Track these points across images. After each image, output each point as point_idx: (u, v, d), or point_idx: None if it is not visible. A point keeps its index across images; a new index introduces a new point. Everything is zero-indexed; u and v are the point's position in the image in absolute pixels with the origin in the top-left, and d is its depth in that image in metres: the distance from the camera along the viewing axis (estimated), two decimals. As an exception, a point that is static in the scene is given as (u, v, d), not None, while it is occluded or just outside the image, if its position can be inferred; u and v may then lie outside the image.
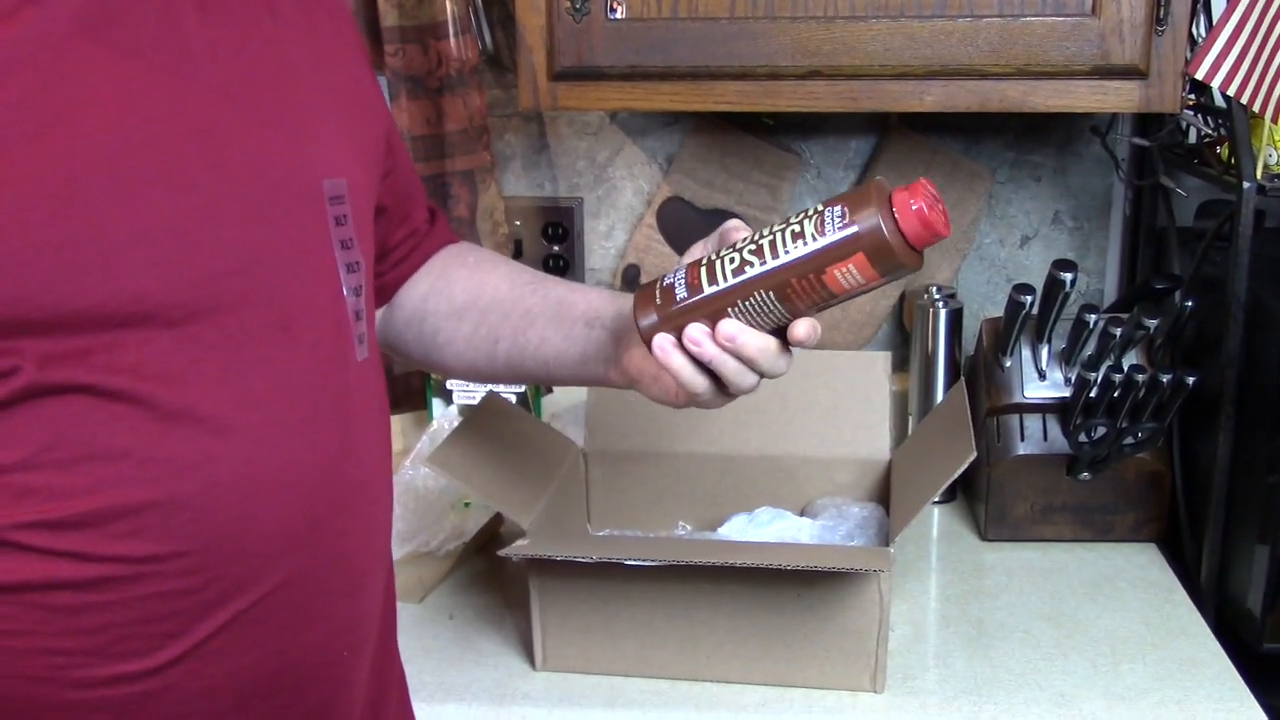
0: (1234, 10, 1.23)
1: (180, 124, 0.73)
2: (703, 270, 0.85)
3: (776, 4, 1.30)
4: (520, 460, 1.29)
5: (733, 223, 0.89)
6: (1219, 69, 1.23)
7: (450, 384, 1.66)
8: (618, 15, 1.32)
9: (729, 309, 0.84)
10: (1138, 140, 1.55)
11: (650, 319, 0.87)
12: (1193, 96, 1.39)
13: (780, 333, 0.85)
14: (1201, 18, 1.36)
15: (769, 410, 1.39)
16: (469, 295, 1.04)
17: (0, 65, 0.67)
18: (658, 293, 0.87)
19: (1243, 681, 1.16)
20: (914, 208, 0.79)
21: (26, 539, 0.69)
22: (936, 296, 1.57)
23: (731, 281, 0.83)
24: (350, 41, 0.93)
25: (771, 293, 0.82)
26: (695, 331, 0.84)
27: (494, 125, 1.71)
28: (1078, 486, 1.43)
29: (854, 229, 0.79)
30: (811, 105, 1.33)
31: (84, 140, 0.69)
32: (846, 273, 0.80)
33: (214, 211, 0.74)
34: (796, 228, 0.81)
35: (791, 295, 0.82)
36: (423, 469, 1.43)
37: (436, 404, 1.66)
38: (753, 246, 0.83)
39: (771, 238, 0.82)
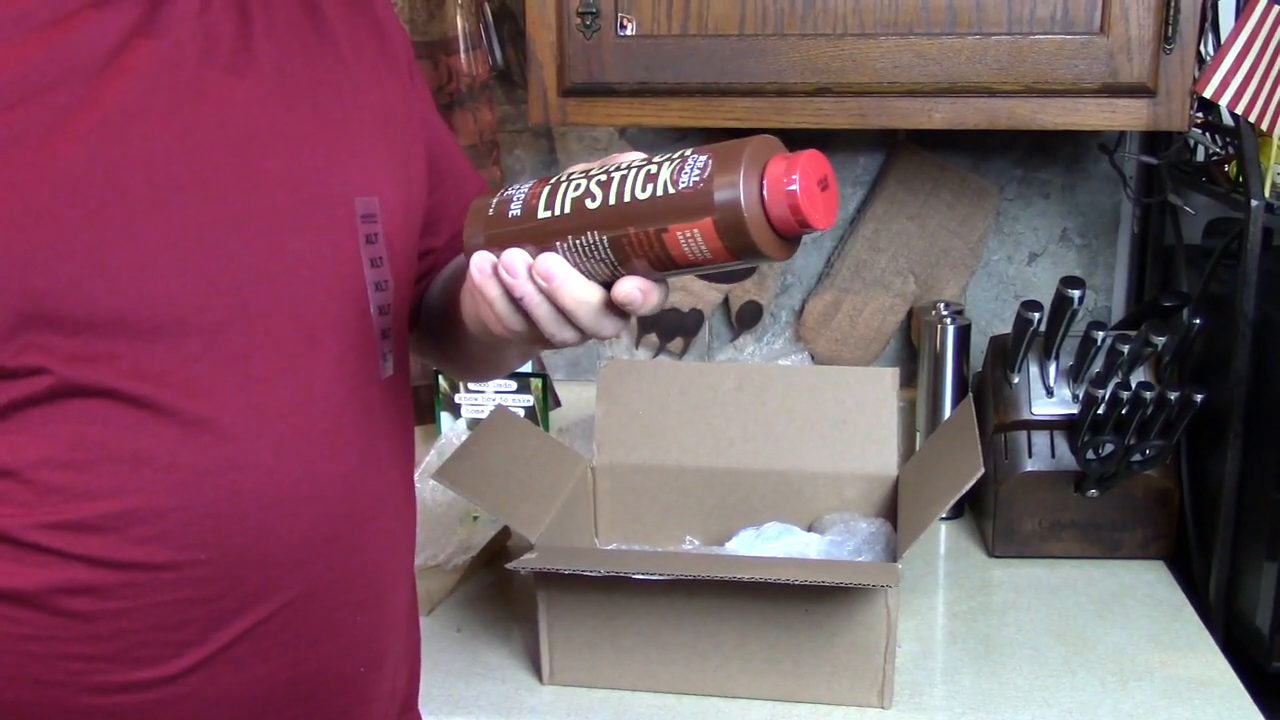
0: (1242, 29, 1.24)
1: (219, 134, 0.74)
2: (544, 191, 0.71)
3: (786, 21, 1.31)
4: (528, 474, 1.29)
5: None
6: (1227, 87, 1.24)
7: (459, 398, 1.66)
8: (628, 32, 1.33)
9: (557, 243, 0.70)
10: (1146, 158, 1.55)
11: (476, 236, 0.73)
12: (1201, 115, 1.39)
13: (611, 287, 0.71)
14: (1209, 36, 1.36)
15: (777, 425, 1.39)
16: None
17: (57, 69, 0.69)
18: (493, 205, 0.74)
19: (1251, 700, 1.16)
20: (789, 187, 0.64)
21: (47, 540, 0.70)
22: (944, 313, 1.57)
23: (566, 211, 0.69)
24: (400, 59, 0.92)
25: (605, 237, 0.68)
26: (513, 259, 0.70)
27: (504, 140, 1.72)
28: (1085, 503, 1.43)
29: (708, 189, 0.64)
30: (820, 122, 1.33)
31: (125, 145, 0.70)
32: (690, 238, 0.65)
33: (244, 222, 0.75)
34: (653, 169, 0.67)
35: (626, 246, 0.68)
36: (431, 482, 1.43)
37: (445, 418, 1.67)
38: (602, 177, 0.69)
39: (624, 173, 0.68)
